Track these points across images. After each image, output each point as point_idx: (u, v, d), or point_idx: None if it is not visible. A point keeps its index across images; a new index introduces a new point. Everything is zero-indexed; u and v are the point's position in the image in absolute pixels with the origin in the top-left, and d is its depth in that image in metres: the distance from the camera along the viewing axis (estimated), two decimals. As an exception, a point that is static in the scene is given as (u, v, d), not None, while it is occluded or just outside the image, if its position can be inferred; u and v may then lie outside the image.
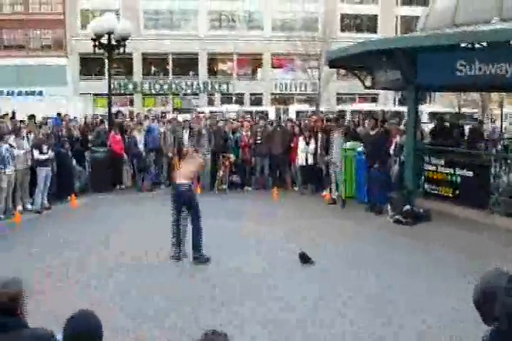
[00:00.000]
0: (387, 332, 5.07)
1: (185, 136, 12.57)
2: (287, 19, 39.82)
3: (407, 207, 9.71)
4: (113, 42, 13.86)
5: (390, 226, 9.47)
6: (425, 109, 25.36)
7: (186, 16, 39.62)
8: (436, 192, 10.68)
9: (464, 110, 29.73)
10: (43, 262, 7.19)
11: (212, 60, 40.07)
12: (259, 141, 13.20)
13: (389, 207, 10.01)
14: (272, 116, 26.15)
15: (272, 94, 39.80)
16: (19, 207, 10.37)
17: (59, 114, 17.85)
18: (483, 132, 16.37)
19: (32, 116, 13.55)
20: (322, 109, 30.55)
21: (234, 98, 36.67)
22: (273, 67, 40.15)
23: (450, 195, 10.36)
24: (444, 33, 9.63)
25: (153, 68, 39.97)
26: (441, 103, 32.30)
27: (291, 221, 9.74)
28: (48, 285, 6.17)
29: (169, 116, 17.11)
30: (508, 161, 9.81)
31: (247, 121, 14.72)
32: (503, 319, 2.13)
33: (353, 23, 41.21)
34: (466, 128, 16.90)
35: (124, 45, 14.11)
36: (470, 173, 9.96)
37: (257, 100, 38.75)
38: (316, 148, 12.25)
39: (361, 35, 36.06)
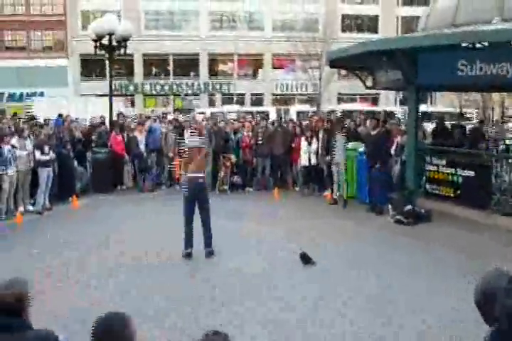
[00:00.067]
0: (387, 332, 5.07)
1: (186, 135, 12.59)
2: (288, 20, 39.83)
3: (408, 207, 9.69)
4: (114, 43, 13.88)
5: (390, 226, 9.46)
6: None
7: (187, 17, 39.64)
8: (437, 192, 10.67)
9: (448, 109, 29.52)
10: (43, 262, 7.20)
11: (213, 61, 40.09)
12: (260, 142, 13.20)
13: (390, 207, 10.00)
14: (272, 116, 26.14)
15: (273, 94, 39.80)
16: (20, 208, 10.38)
17: (60, 115, 17.87)
18: (485, 132, 16.33)
19: (33, 118, 13.56)
20: (322, 109, 30.58)
21: (235, 98, 36.69)
22: (274, 67, 40.15)
23: (451, 195, 10.34)
24: (445, 33, 9.62)
25: (154, 69, 40.00)
26: (442, 103, 32.32)
27: (292, 221, 9.74)
28: (47, 285, 6.17)
29: (169, 116, 17.11)
30: (510, 161, 9.80)
31: (249, 121, 14.72)
32: (503, 319, 2.13)
33: (353, 23, 41.21)
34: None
35: (125, 46, 14.13)
36: (471, 173, 9.95)
37: (258, 100, 38.75)
38: (317, 148, 12.25)
39: (362, 35, 36.06)
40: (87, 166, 13.14)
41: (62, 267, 7.00)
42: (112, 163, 12.93)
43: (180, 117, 15.47)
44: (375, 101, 38.56)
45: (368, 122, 12.49)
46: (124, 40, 13.95)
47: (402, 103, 29.91)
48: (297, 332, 5.11)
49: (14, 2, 37.25)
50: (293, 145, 12.91)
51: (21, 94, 35.66)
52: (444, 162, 10.57)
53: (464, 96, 31.74)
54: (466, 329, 4.91)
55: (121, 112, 15.63)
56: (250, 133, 13.40)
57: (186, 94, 38.95)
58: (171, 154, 13.18)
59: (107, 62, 15.46)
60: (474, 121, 25.07)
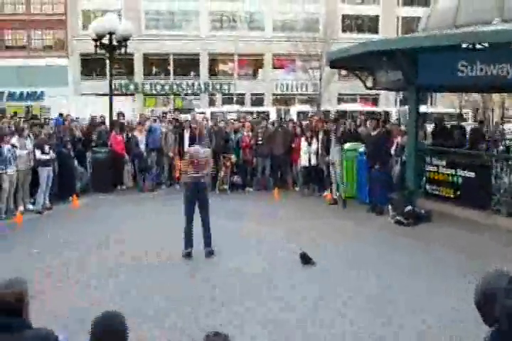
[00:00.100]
0: (387, 332, 5.07)
1: (186, 135, 12.59)
2: (288, 20, 39.83)
3: (408, 207, 9.69)
4: (114, 42, 13.88)
5: (390, 226, 9.46)
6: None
7: (187, 17, 39.65)
8: (437, 192, 10.67)
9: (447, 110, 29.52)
10: (43, 262, 7.19)
11: (213, 61, 40.10)
12: (260, 142, 13.20)
13: (390, 207, 10.01)
14: (273, 116, 26.16)
15: (273, 94, 39.79)
16: (20, 208, 10.38)
17: (61, 115, 17.88)
18: (485, 133, 16.34)
19: (34, 116, 13.57)
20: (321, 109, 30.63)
21: (235, 98, 36.70)
22: (274, 67, 40.15)
23: (451, 195, 10.35)
24: (445, 33, 9.63)
25: (154, 68, 40.02)
26: (442, 103, 32.32)
27: (291, 221, 9.74)
28: (48, 285, 6.18)
29: (169, 116, 17.10)
30: (510, 162, 9.80)
31: (249, 121, 14.70)
32: (503, 320, 2.13)
33: (354, 23, 41.20)
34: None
35: (126, 46, 14.13)
36: (471, 174, 9.95)
37: (258, 101, 38.74)
38: (317, 149, 12.24)
39: (362, 35, 36.07)
40: (87, 166, 13.14)
41: (62, 267, 7.00)
42: (112, 162, 12.92)
43: (182, 116, 15.43)
44: (375, 101, 38.57)
45: (368, 123, 12.49)
46: (124, 40, 13.95)
47: (403, 103, 29.93)
48: (297, 332, 5.11)
49: (15, 1, 37.26)
50: (293, 145, 12.92)
51: (21, 94, 35.67)
52: (444, 162, 10.57)
53: (464, 97, 31.75)
54: (466, 329, 4.91)
55: (122, 112, 15.61)
56: (250, 133, 13.41)
57: (186, 94, 38.95)
58: (171, 154, 13.18)
59: (108, 61, 15.48)
60: (470, 122, 25.11)
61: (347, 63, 12.90)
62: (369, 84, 13.34)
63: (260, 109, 31.41)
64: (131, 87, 38.20)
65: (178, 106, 36.10)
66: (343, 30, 39.76)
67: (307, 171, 12.57)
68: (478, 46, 9.11)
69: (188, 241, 7.41)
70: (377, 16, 41.08)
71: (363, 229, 9.25)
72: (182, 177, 8.37)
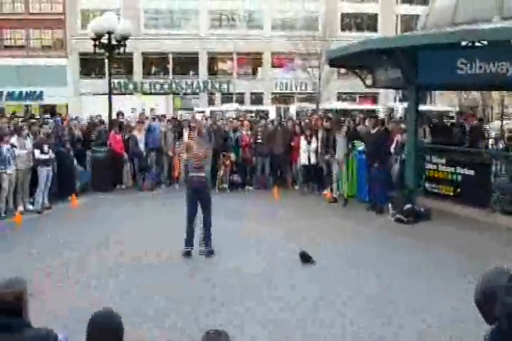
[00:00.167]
0: (387, 332, 5.06)
1: (185, 135, 12.57)
2: (287, 18, 39.76)
3: (408, 206, 9.69)
4: (113, 41, 13.84)
5: (390, 225, 9.45)
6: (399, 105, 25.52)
7: (186, 16, 39.59)
8: (437, 190, 10.67)
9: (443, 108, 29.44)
10: (43, 262, 7.18)
11: (213, 60, 40.04)
12: (259, 141, 13.19)
13: (390, 206, 10.01)
14: (272, 115, 26.14)
15: (273, 93, 39.75)
16: (20, 207, 10.37)
17: (60, 114, 17.87)
18: (484, 131, 16.33)
19: (32, 116, 13.56)
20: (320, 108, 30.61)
21: (234, 97, 36.65)
22: (273, 66, 40.08)
23: (451, 193, 10.34)
24: (444, 31, 9.61)
25: (153, 68, 39.96)
26: (441, 101, 32.30)
27: (291, 220, 9.73)
28: (47, 285, 6.17)
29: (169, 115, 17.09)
30: (510, 159, 9.80)
31: (247, 120, 14.69)
32: (504, 318, 2.13)
33: (353, 22, 41.13)
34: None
35: (125, 45, 14.10)
36: (471, 172, 9.95)
37: (257, 99, 38.71)
38: (317, 147, 12.24)
39: (361, 34, 36.05)
40: (87, 165, 13.13)
41: (62, 267, 6.98)
42: (112, 162, 12.91)
43: (185, 114, 15.40)
44: (374, 99, 38.54)
45: (367, 121, 12.49)
46: (123, 39, 13.92)
47: (403, 101, 29.93)
48: (297, 332, 5.11)
49: (13, 0, 37.19)
50: (292, 144, 12.91)
51: (20, 93, 35.66)
52: (443, 161, 10.57)
53: (463, 95, 31.71)
54: (466, 329, 4.91)
55: (121, 111, 15.60)
56: (249, 132, 13.40)
57: (185, 93, 38.90)
58: (170, 153, 13.18)
59: (107, 60, 15.44)
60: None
61: (346, 62, 12.89)
62: (368, 82, 13.32)
63: (260, 107, 31.41)
64: (131, 86, 38.15)
65: (177, 106, 36.05)
66: (342, 29, 39.70)
67: (307, 170, 12.57)
68: (477, 44, 9.09)
69: (189, 241, 7.42)
70: (376, 14, 41.00)
71: (362, 228, 9.24)
72: (180, 176, 8.36)
